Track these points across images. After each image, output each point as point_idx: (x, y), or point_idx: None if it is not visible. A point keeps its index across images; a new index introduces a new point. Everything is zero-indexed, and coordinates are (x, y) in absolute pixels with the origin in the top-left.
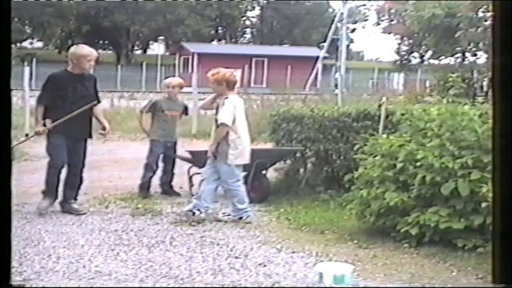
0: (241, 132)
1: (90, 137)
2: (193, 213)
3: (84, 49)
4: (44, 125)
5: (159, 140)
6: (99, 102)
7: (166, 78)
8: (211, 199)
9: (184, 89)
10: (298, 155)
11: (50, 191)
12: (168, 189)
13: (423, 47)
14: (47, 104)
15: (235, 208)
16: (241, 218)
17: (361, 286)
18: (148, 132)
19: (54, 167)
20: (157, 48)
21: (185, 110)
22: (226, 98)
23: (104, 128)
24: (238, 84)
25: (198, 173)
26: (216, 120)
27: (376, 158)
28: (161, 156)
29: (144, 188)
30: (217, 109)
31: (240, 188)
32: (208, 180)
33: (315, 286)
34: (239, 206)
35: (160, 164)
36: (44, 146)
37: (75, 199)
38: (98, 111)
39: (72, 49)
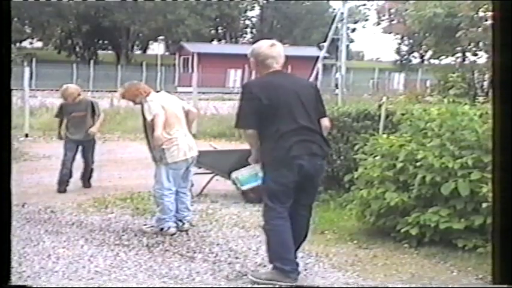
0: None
1: None
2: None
3: None
4: None
5: None
6: None
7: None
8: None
9: (184, 89)
10: None
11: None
12: None
13: (423, 46)
14: None
15: (157, 218)
16: (162, 229)
17: (361, 286)
18: None
19: None
20: (157, 48)
21: None
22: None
23: None
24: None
25: (198, 173)
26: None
27: (376, 158)
28: None
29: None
30: None
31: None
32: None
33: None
34: (161, 215)
35: None
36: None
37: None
38: None
39: None
